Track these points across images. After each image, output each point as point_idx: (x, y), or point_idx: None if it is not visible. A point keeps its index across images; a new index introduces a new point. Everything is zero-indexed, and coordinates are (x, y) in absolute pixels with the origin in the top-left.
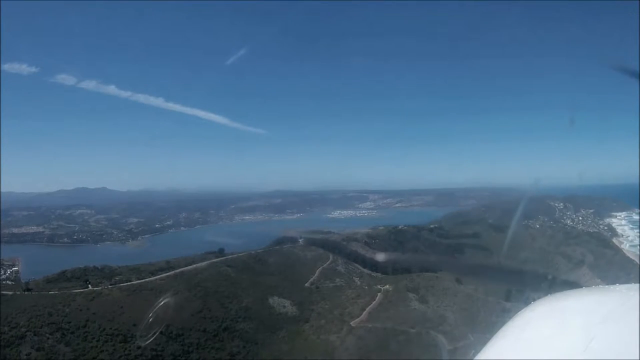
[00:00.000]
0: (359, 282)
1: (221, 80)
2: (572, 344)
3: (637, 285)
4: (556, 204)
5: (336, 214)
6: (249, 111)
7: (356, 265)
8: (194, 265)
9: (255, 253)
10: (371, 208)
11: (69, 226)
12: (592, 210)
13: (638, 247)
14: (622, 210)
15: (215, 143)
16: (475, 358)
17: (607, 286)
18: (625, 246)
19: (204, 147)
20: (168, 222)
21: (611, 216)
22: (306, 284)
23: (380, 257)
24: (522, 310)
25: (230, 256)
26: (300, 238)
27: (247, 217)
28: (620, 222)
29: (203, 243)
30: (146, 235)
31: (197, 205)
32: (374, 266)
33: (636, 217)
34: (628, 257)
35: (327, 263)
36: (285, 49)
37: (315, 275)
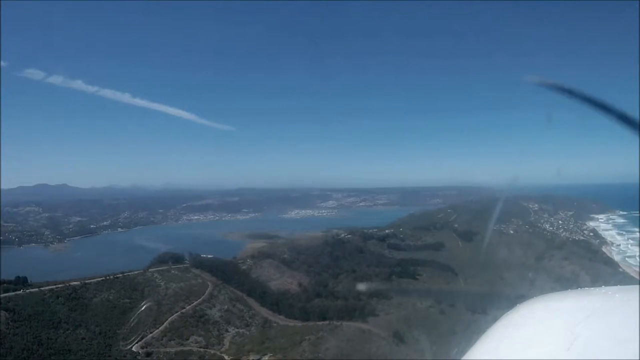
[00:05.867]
0: (227, 344)
1: (190, 77)
2: (556, 343)
3: (618, 287)
4: (531, 205)
5: (293, 213)
6: (217, 108)
7: (251, 300)
8: None
9: (81, 284)
10: (333, 207)
11: (5, 225)
12: (571, 213)
13: (637, 258)
14: (602, 212)
15: (183, 139)
16: (463, 358)
17: (590, 288)
18: (619, 257)
19: (173, 143)
20: (105, 223)
21: (591, 219)
22: (130, 347)
23: (290, 286)
24: (509, 311)
25: (32, 289)
26: (188, 257)
27: (195, 217)
28: (606, 225)
29: (129, 248)
30: (76, 237)
31: (150, 203)
32: (275, 304)
33: (620, 220)
34: (627, 274)
35: (198, 300)
36: (256, 46)
37: (162, 327)
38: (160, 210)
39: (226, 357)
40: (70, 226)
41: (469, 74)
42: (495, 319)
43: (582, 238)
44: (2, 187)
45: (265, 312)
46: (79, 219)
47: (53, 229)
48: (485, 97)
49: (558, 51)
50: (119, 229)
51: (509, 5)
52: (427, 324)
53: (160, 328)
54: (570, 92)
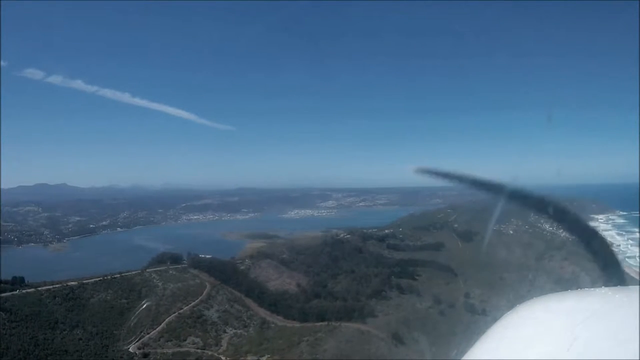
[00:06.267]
0: (225, 346)
1: (190, 77)
2: (556, 344)
3: (617, 287)
4: None
5: (293, 213)
6: (217, 108)
7: (249, 301)
8: None
9: (78, 284)
10: (332, 207)
11: (5, 225)
12: None
13: (637, 258)
14: (602, 213)
15: (183, 139)
16: (462, 359)
17: (588, 289)
18: (619, 258)
19: (172, 143)
20: (104, 223)
21: (591, 219)
22: (127, 347)
23: (288, 286)
24: (508, 312)
25: (28, 289)
26: (187, 257)
27: (195, 217)
28: (605, 225)
29: (128, 248)
30: (75, 237)
31: (149, 203)
32: (273, 304)
33: (620, 220)
34: (627, 275)
35: (196, 301)
36: (256, 46)
37: (159, 327)
38: (160, 210)
39: (223, 358)
40: (70, 226)
41: (469, 74)
42: (495, 320)
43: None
44: (2, 186)
45: (263, 312)
46: (78, 218)
47: (52, 229)
48: (485, 97)
49: (558, 51)
50: (119, 229)
51: (509, 5)
52: (426, 325)
53: (157, 329)
54: (446, 175)
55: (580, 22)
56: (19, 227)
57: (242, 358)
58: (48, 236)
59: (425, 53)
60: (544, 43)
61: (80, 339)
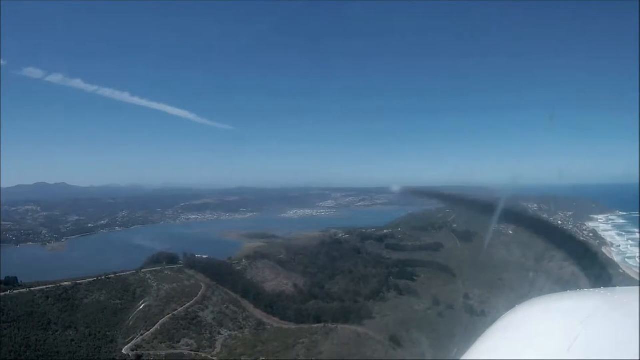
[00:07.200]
0: (219, 348)
1: (190, 76)
2: (555, 344)
3: (617, 288)
4: (530, 205)
5: (292, 213)
6: (217, 107)
7: (245, 302)
8: None
9: (72, 284)
10: (331, 207)
11: (4, 224)
12: (571, 213)
13: (637, 259)
14: (601, 213)
15: (182, 139)
16: (462, 358)
17: (588, 289)
18: (618, 258)
19: (172, 142)
20: (102, 222)
21: (591, 219)
22: (121, 349)
23: (285, 288)
24: (508, 312)
25: (21, 290)
26: (183, 257)
27: (193, 217)
28: (605, 226)
29: (126, 247)
30: (73, 237)
31: (148, 202)
32: (269, 305)
33: (620, 220)
34: (627, 275)
35: (190, 302)
36: (256, 46)
37: (152, 329)
38: (159, 210)
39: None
40: (68, 225)
41: (468, 74)
42: (494, 321)
43: (582, 239)
44: (1, 185)
45: (259, 314)
46: (76, 217)
47: (51, 228)
48: (485, 97)
49: (558, 51)
50: (117, 228)
51: (509, 5)
52: (424, 327)
53: (151, 330)
54: (433, 196)
55: (581, 22)
56: (17, 226)
57: None
58: (46, 235)
59: (426, 53)
60: (544, 43)
61: (73, 340)
